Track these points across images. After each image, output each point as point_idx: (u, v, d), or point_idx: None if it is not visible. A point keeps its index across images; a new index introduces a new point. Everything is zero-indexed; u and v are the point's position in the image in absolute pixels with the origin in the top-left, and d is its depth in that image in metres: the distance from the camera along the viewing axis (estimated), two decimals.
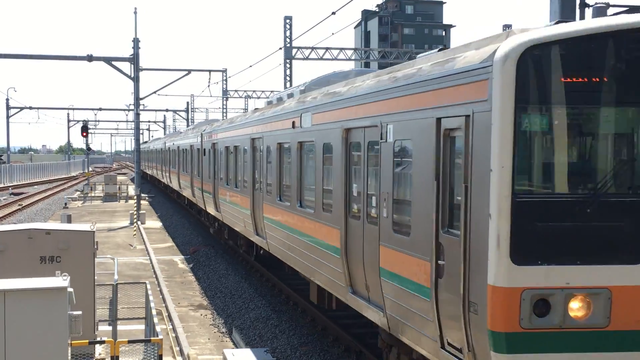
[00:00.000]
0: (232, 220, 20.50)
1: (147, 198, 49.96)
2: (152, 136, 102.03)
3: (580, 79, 6.33)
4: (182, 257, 24.90)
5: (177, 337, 14.02)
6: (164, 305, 17.02)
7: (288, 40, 40.55)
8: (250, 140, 17.24)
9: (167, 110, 75.34)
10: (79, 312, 8.43)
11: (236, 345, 14.03)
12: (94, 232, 11.41)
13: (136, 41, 36.41)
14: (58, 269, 9.40)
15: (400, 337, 8.49)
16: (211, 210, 24.69)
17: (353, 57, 44.19)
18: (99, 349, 11.21)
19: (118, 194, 51.85)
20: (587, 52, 6.37)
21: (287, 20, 40.26)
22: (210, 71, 47.36)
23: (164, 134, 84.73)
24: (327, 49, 41.97)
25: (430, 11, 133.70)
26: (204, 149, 26.23)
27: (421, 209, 7.68)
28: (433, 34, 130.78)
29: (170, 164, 41.45)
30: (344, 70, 15.69)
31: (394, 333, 8.68)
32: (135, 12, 37.34)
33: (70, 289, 8.33)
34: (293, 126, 13.08)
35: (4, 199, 48.14)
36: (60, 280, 8.36)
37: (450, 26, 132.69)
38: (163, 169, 46.93)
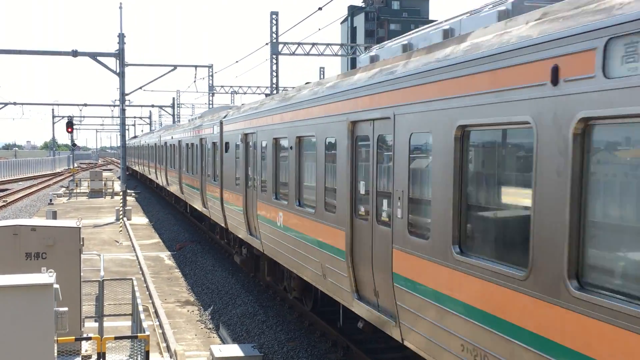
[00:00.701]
0: (285, 256, 13.23)
1: (133, 194, 49.74)
2: (142, 130, 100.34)
3: None
4: (169, 253, 24.81)
5: (164, 334, 13.99)
6: (150, 301, 16.98)
7: (274, 35, 40.48)
8: (349, 126, 9.61)
9: (152, 106, 74.93)
10: (65, 309, 8.40)
11: (223, 341, 14.02)
12: (79, 228, 11.36)
13: (121, 36, 36.20)
14: (44, 266, 9.37)
15: None
16: (239, 231, 17.53)
17: (339, 53, 44.19)
18: (85, 346, 11.18)
19: (104, 190, 51.56)
20: None
21: (274, 16, 40.17)
22: (196, 67, 47.14)
23: (150, 129, 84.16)
24: (313, 44, 41.94)
25: (416, 7, 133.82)
26: (226, 143, 19.07)
27: None
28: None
29: (167, 162, 35.19)
30: None
31: None
32: (120, 7, 37.14)
33: (56, 286, 8.29)
34: (554, 80, 5.30)
35: None
36: (46, 277, 8.31)
37: (436, 21, 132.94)
38: (158, 168, 39.93)
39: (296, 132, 12.22)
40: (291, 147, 12.50)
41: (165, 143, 36.01)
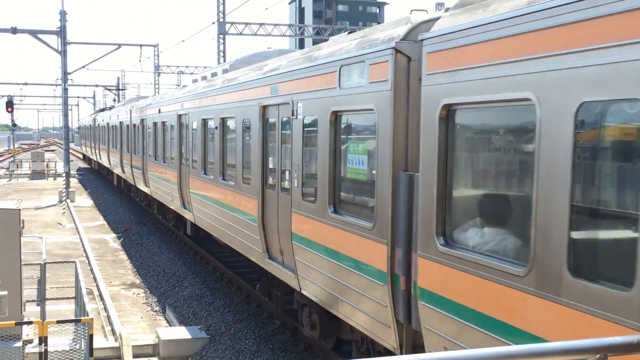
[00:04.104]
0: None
1: (76, 175, 48.74)
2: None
3: None
4: (114, 235, 24.42)
5: (108, 317, 13.77)
6: (94, 284, 16.69)
7: (221, 15, 39.99)
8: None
9: (96, 85, 73.35)
10: (4, 292, 8.19)
11: (170, 324, 13.90)
12: (19, 210, 11.05)
13: (63, 13, 35.25)
14: None
15: None
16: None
17: (287, 33, 43.94)
18: (26, 330, 10.91)
19: (46, 172, 50.40)
20: None
21: None
22: (141, 46, 46.37)
23: (94, 109, 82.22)
24: (261, 24, 41.59)
25: None
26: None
27: None
28: (367, 11, 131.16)
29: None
30: None
31: None
32: None
33: None
34: None
35: None
36: None
37: (384, 4, 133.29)
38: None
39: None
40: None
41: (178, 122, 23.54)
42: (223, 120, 13.48)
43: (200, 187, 15.23)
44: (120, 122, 31.07)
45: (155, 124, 21.71)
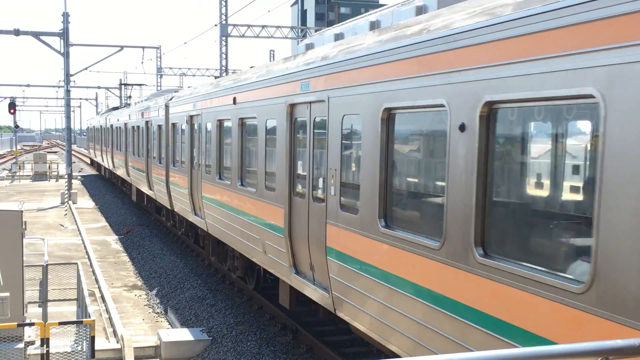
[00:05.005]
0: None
1: (78, 177, 48.78)
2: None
3: None
4: (116, 237, 24.44)
5: (110, 318, 13.78)
6: (96, 286, 16.70)
7: (224, 17, 40.05)
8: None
9: (99, 87, 73.54)
10: (6, 294, 8.19)
11: (171, 326, 13.90)
12: (21, 211, 11.07)
13: (66, 15, 35.33)
14: None
15: None
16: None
17: (290, 36, 43.98)
18: (28, 331, 10.93)
19: (48, 173, 50.46)
20: None
21: None
22: (143, 48, 46.49)
23: (96, 112, 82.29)
24: (263, 26, 41.64)
25: None
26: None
27: None
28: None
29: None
30: None
31: None
32: None
33: None
34: None
35: None
36: None
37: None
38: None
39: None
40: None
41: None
42: (490, 111, 5.53)
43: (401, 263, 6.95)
44: (147, 122, 24.05)
45: (220, 122, 14.35)
